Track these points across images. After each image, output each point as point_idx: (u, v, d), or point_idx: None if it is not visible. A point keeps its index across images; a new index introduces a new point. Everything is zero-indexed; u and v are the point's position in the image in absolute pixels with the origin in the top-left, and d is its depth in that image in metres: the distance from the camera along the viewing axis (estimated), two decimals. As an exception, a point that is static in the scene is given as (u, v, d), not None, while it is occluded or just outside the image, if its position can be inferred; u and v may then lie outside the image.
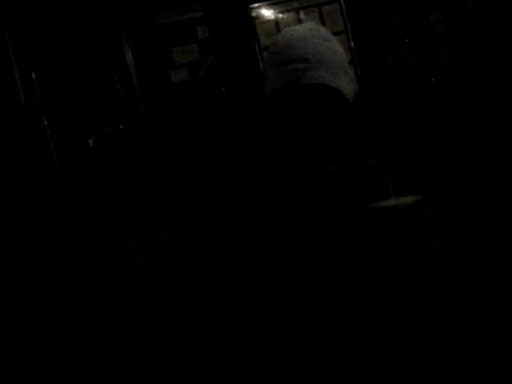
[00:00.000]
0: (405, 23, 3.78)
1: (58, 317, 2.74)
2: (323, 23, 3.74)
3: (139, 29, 3.52)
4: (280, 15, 3.68)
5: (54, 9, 3.43)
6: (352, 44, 3.74)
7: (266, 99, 1.17)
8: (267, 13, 3.66)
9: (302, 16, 3.70)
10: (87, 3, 3.43)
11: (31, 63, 3.47)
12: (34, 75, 3.47)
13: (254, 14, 3.64)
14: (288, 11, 3.69)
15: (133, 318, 2.61)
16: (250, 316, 1.12)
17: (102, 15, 3.46)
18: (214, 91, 3.57)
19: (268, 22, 3.66)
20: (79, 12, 3.45)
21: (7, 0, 3.38)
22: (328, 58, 1.09)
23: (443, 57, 3.78)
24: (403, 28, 3.78)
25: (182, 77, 3.54)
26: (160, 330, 2.51)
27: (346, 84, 1.12)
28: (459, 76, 3.78)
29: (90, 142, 3.46)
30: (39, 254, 2.96)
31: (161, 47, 3.54)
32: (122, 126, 3.48)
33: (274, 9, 3.67)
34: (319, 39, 1.11)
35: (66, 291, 2.77)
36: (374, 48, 3.75)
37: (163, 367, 2.44)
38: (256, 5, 3.64)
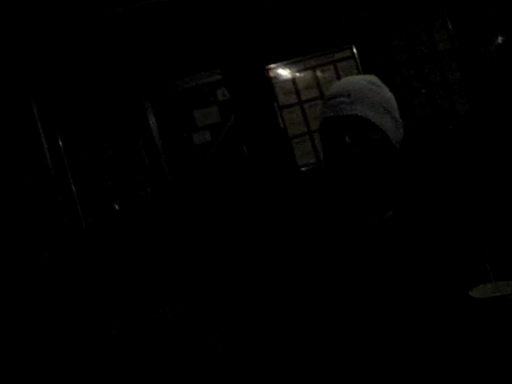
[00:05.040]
0: (420, 74, 3.85)
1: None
2: (338, 79, 3.83)
3: (161, 94, 3.64)
4: (297, 74, 3.78)
5: (78, 78, 3.57)
6: (369, 97, 3.79)
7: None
8: (284, 72, 3.76)
9: (318, 74, 3.79)
10: (110, 72, 3.57)
11: (58, 131, 3.59)
12: (61, 143, 3.58)
13: (271, 75, 3.74)
14: (305, 70, 3.79)
15: None
16: None
17: (125, 83, 3.59)
18: (235, 151, 3.64)
19: (286, 81, 3.76)
20: (103, 80, 3.58)
21: (34, 71, 3.53)
22: (371, 98, 1.16)
23: (460, 105, 3.83)
24: (418, 79, 3.85)
25: (205, 138, 3.63)
26: None
27: (394, 128, 1.18)
28: (476, 123, 3.80)
29: (116, 205, 3.53)
30: (69, 323, 2.97)
31: (182, 111, 3.64)
32: (149, 189, 3.55)
33: (291, 68, 3.77)
34: (367, 82, 1.20)
35: (98, 362, 2.76)
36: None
37: None
38: (273, 65, 3.75)
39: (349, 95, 1.14)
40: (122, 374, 2.65)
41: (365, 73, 3.84)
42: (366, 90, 1.17)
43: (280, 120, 3.72)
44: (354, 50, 3.85)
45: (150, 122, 3.61)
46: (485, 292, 0.94)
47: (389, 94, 1.23)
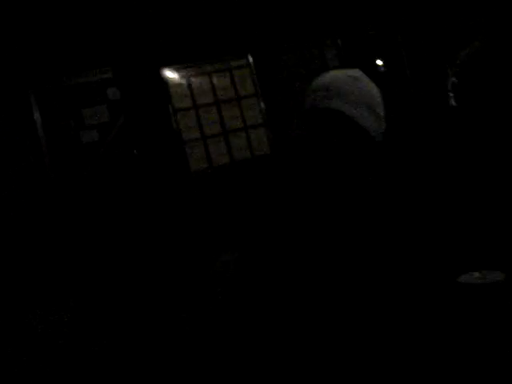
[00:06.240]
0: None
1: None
2: (235, 87, 3.86)
3: (48, 89, 3.46)
4: (193, 78, 3.75)
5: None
6: (262, 105, 3.87)
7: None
8: (180, 76, 3.72)
9: (214, 80, 3.79)
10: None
11: None
12: None
13: (166, 77, 3.68)
14: (202, 74, 3.77)
15: None
16: None
17: (8, 75, 3.36)
18: (125, 152, 3.52)
19: (181, 84, 3.72)
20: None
21: None
22: (349, 92, 1.19)
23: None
24: (310, 92, 3.98)
25: (93, 137, 3.48)
26: None
27: (372, 121, 1.21)
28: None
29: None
30: None
31: (70, 108, 3.48)
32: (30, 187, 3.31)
33: (187, 72, 3.74)
34: (348, 77, 1.22)
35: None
36: (282, 110, 3.90)
37: None
38: (168, 68, 3.69)
39: (327, 89, 1.16)
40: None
41: (260, 82, 3.91)
42: (344, 84, 1.19)
43: (174, 123, 3.67)
44: (250, 60, 3.90)
45: (35, 118, 3.41)
46: (472, 279, 0.98)
47: (370, 88, 1.28)
